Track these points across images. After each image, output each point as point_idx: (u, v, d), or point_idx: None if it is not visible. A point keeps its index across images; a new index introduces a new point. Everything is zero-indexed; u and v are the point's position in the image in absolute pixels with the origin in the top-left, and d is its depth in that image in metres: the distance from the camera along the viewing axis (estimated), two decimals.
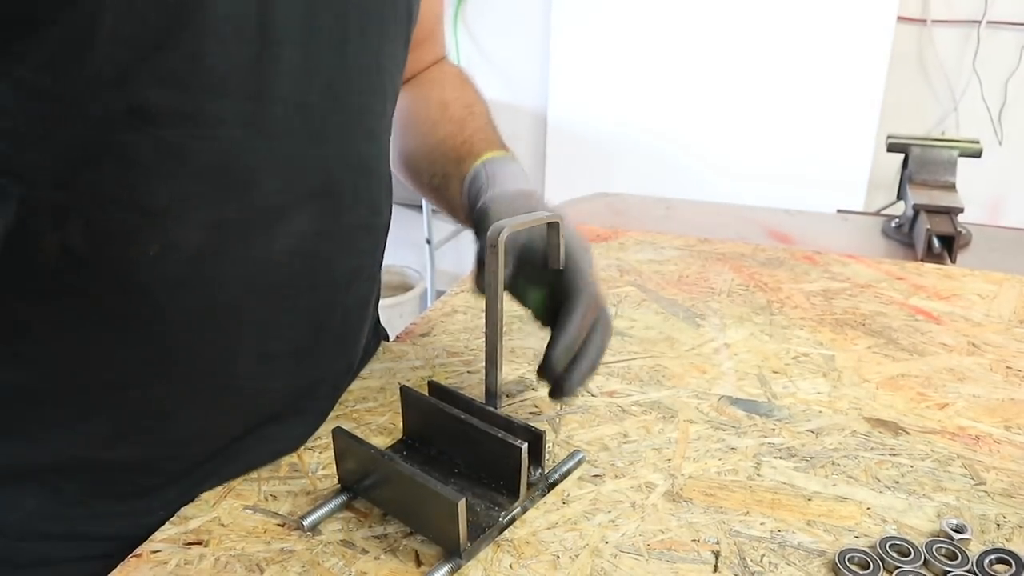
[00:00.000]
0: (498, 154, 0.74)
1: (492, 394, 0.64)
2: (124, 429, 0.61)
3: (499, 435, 0.58)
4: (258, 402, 0.64)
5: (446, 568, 0.54)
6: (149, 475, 0.63)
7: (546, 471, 0.62)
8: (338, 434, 0.59)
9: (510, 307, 0.64)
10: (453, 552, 0.55)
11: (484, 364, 0.63)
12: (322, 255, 0.63)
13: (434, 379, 0.70)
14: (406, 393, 0.65)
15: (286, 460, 0.66)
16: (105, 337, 0.57)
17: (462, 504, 0.52)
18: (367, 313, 0.74)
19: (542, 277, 0.65)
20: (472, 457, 0.61)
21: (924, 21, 2.30)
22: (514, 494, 0.59)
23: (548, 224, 0.62)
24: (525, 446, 0.57)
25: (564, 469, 0.64)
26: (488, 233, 0.60)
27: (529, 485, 0.60)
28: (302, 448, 0.67)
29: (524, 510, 0.60)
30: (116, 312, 0.56)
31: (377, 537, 0.57)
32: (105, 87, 0.51)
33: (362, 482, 0.60)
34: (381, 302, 0.86)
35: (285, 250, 0.61)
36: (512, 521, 0.58)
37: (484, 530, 0.56)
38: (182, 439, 0.63)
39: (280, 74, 0.56)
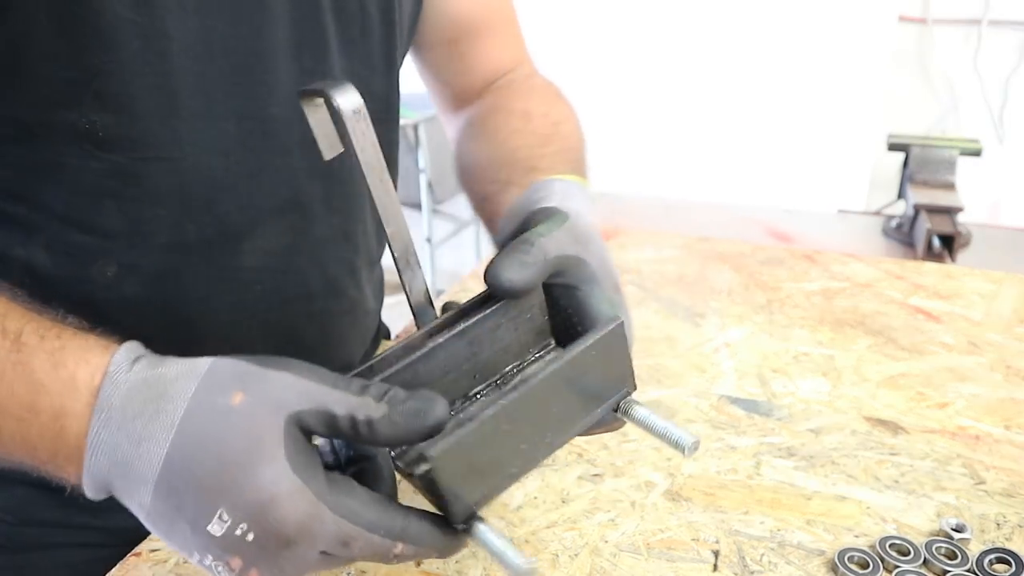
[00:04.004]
0: (578, 180, 0.62)
1: (425, 305, 0.47)
2: None
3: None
4: None
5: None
6: None
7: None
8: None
9: None
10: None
11: (398, 272, 0.47)
12: (293, 268, 0.62)
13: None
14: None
15: None
16: None
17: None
18: (358, 318, 0.72)
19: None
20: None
21: (925, 20, 2.29)
22: None
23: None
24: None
25: None
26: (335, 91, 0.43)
27: None
28: None
29: None
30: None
31: None
32: (49, 110, 0.51)
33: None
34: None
35: (252, 267, 0.60)
36: None
37: None
38: None
39: (231, 91, 0.55)
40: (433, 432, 0.39)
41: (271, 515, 0.37)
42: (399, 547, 0.39)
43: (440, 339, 0.45)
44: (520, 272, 0.45)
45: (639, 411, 0.47)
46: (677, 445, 0.45)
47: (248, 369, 0.39)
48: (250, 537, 0.37)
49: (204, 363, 0.40)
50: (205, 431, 0.38)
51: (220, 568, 0.38)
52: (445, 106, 0.83)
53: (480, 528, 0.42)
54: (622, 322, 0.45)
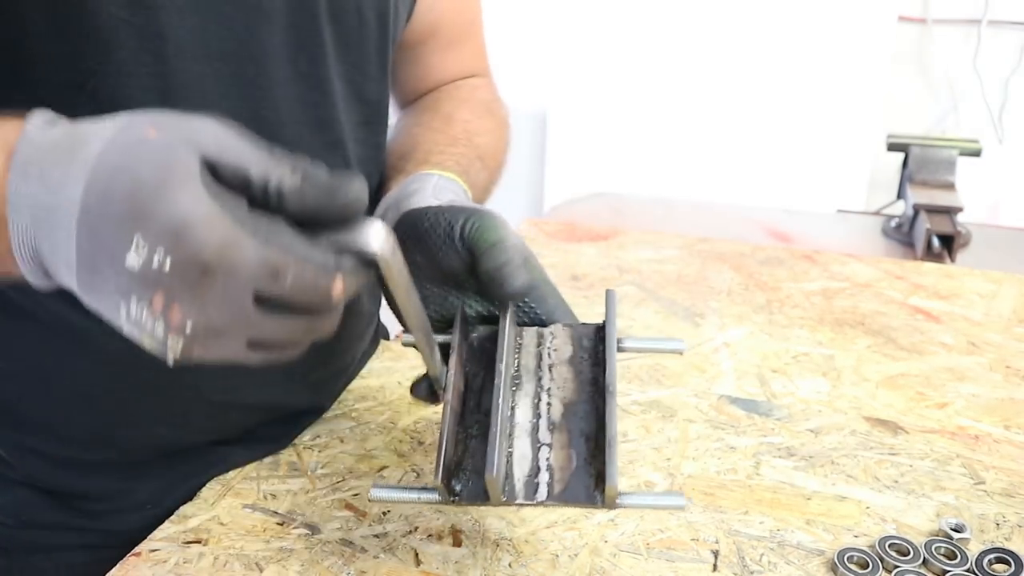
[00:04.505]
0: (464, 187, 0.65)
1: (442, 370, 0.53)
2: (105, 433, 0.61)
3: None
4: (230, 415, 0.64)
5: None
6: (134, 475, 0.63)
7: None
8: None
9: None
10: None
11: (423, 357, 0.52)
12: None
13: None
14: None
15: (285, 459, 0.66)
16: (71, 351, 0.58)
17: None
18: (355, 318, 0.73)
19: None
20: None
21: (925, 20, 2.29)
22: None
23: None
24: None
25: None
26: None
27: None
28: (302, 447, 0.67)
29: None
30: (79, 331, 0.55)
31: (376, 536, 0.57)
32: (46, 109, 0.51)
33: None
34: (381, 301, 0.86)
35: None
36: None
37: None
38: (160, 446, 0.64)
39: (226, 93, 0.55)
40: (346, 213, 0.39)
41: (187, 238, 0.35)
42: (339, 282, 0.38)
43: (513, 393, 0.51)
44: (524, 274, 0.51)
45: (629, 342, 0.53)
46: (672, 351, 0.53)
47: (168, 114, 0.38)
48: (168, 265, 0.35)
49: (123, 114, 0.39)
50: (118, 164, 0.36)
51: (144, 312, 0.36)
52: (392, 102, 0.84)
53: (627, 500, 0.46)
54: (613, 291, 0.54)
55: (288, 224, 0.38)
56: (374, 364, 0.79)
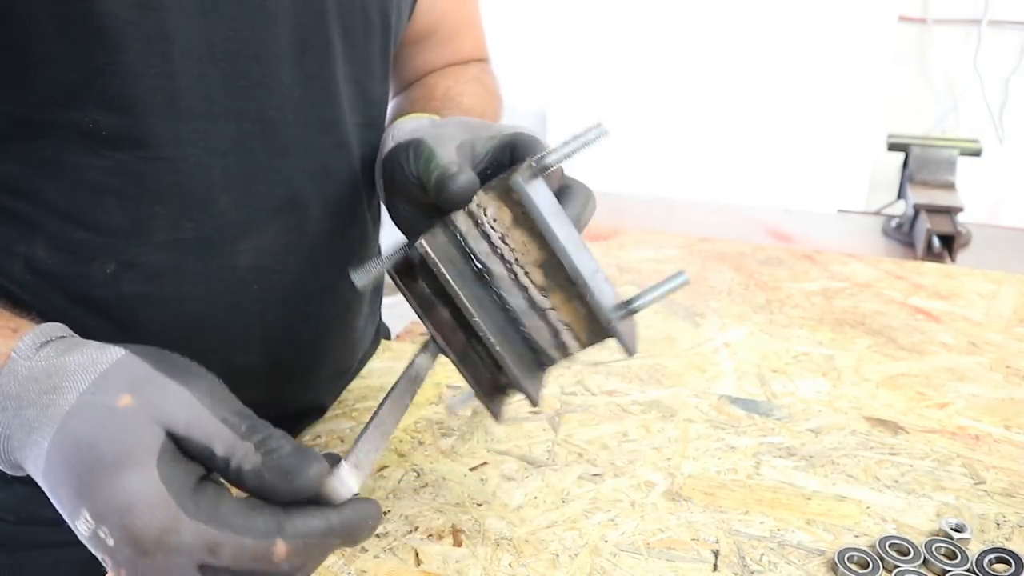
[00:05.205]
0: (427, 115, 0.66)
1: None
2: None
3: None
4: None
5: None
6: None
7: None
8: None
9: None
10: None
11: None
12: (290, 269, 0.62)
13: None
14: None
15: None
16: None
17: None
18: (355, 319, 0.73)
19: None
20: None
21: (925, 20, 2.29)
22: None
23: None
24: None
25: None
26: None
27: None
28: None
29: None
30: (79, 328, 0.56)
31: (377, 535, 0.57)
32: (54, 108, 0.52)
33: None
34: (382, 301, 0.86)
35: (249, 266, 0.60)
36: None
37: None
38: None
39: (231, 93, 0.56)
40: (298, 496, 0.40)
41: (127, 522, 0.37)
42: (280, 546, 0.39)
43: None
44: (462, 176, 0.50)
45: (550, 157, 0.51)
46: (595, 138, 0.50)
47: (147, 374, 0.40)
48: (111, 542, 0.38)
49: (107, 359, 0.41)
50: (82, 430, 0.38)
51: (100, 557, 0.39)
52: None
53: (640, 302, 0.53)
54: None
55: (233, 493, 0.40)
56: (374, 364, 0.79)
